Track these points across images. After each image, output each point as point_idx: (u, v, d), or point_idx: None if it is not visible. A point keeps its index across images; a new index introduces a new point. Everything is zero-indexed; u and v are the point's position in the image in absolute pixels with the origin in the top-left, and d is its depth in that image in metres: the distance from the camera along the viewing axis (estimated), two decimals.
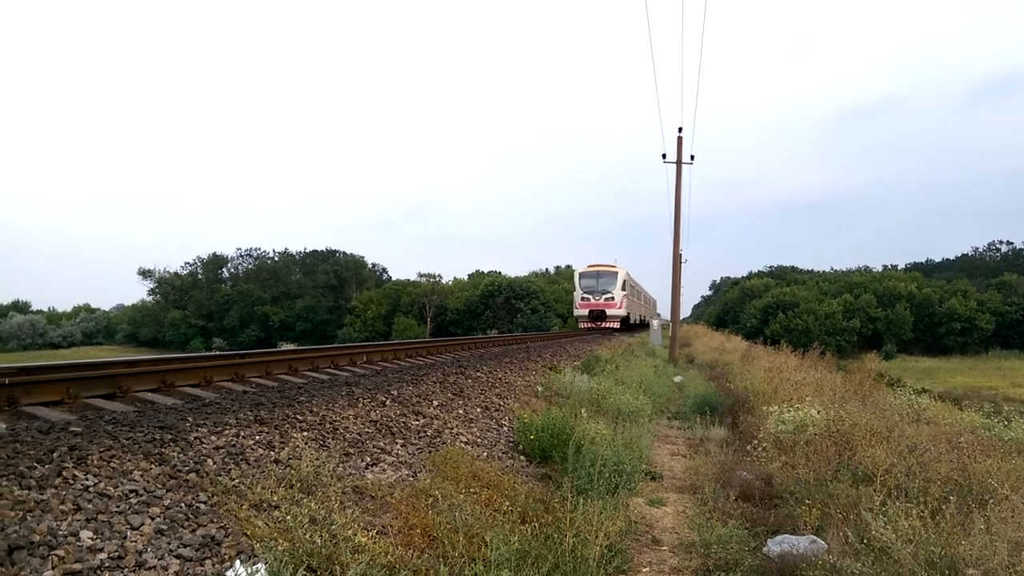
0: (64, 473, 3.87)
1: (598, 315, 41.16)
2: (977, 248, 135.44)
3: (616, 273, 41.63)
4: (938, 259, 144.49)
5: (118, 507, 3.73)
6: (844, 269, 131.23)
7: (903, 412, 10.73)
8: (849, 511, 6.03)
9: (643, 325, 57.68)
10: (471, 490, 6.01)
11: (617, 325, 41.50)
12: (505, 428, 8.93)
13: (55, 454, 4.08)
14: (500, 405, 9.93)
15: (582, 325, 42.82)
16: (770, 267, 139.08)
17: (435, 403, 8.59)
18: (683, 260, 38.03)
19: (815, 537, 5.82)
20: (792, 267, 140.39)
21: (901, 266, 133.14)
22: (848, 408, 9.53)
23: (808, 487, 6.96)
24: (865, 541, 5.26)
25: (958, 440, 8.24)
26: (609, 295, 40.95)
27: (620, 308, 41.22)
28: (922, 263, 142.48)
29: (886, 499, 6.01)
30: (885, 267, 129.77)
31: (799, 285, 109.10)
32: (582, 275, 43.03)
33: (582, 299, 42.05)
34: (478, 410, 9.21)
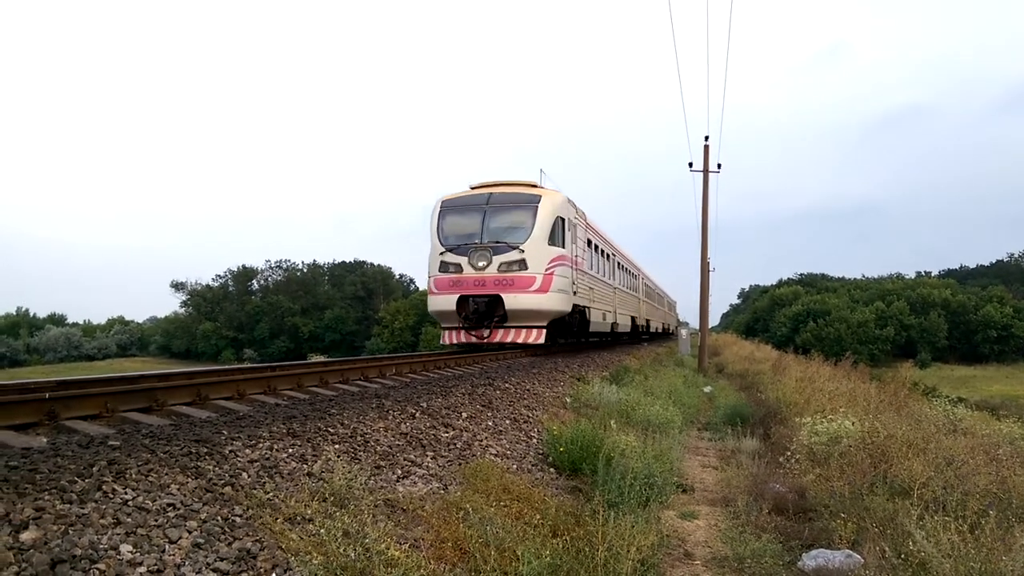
0: (104, 487, 3.93)
1: (484, 309, 17.01)
2: (1013, 254, 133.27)
3: (536, 200, 17.47)
4: (972, 265, 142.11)
5: (156, 521, 3.79)
6: (876, 276, 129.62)
7: (939, 423, 10.56)
8: (886, 525, 5.94)
9: (637, 332, 34.96)
10: (501, 503, 6.02)
11: (540, 336, 17.37)
12: (534, 440, 8.93)
13: (95, 468, 4.16)
14: (529, 417, 9.92)
15: (448, 339, 18.22)
16: (800, 275, 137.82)
17: (464, 415, 8.61)
18: (711, 268, 37.35)
19: (851, 552, 5.74)
20: (822, 275, 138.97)
21: (935, 273, 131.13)
22: (883, 419, 9.40)
23: (843, 500, 6.86)
24: (903, 556, 5.17)
25: (996, 452, 8.09)
26: (514, 257, 16.86)
27: (545, 290, 16.88)
28: (956, 269, 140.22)
29: (923, 513, 5.91)
30: (918, 274, 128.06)
31: (830, 293, 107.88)
32: (446, 208, 18.17)
33: (443, 267, 17.44)
34: (507, 422, 9.21)
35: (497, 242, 16.97)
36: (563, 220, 18.07)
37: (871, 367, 25.27)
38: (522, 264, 16.69)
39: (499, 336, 17.35)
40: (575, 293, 18.68)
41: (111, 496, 3.87)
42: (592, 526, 5.39)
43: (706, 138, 29.79)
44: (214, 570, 3.61)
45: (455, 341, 18.00)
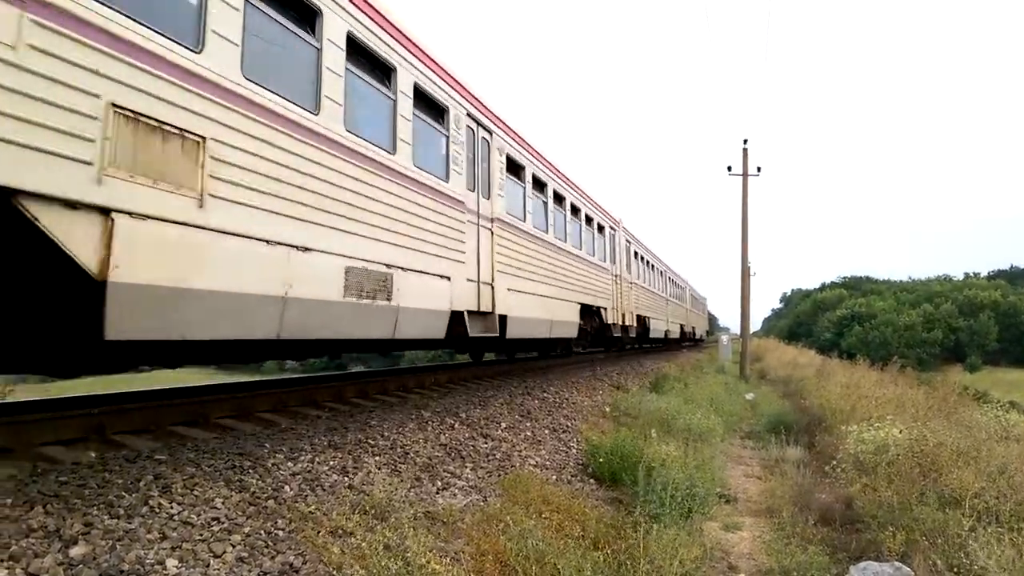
0: (150, 502, 4.01)
1: None
2: None
3: None
4: None
5: (201, 535, 3.85)
6: (923, 278, 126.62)
7: (990, 429, 10.25)
8: (936, 536, 5.77)
9: (610, 338, 21.03)
10: (542, 515, 5.99)
11: None
12: (574, 450, 8.88)
13: (141, 483, 4.25)
14: (568, 426, 9.88)
15: None
16: (844, 277, 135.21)
17: (503, 425, 8.61)
18: (752, 272, 36.61)
19: (900, 564, 5.59)
20: (867, 277, 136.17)
21: (984, 273, 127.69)
22: (932, 426, 9.14)
23: (891, 511, 6.69)
24: (956, 569, 5.02)
25: None
26: None
27: None
28: (1006, 270, 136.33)
29: (975, 524, 5.73)
30: (967, 275, 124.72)
31: (875, 296, 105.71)
32: None
33: None
34: (546, 432, 9.18)
35: None
36: None
37: (919, 371, 24.53)
38: None
39: None
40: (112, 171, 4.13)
41: (157, 511, 3.94)
42: (634, 539, 5.34)
43: (744, 141, 29.17)
44: None
45: None
